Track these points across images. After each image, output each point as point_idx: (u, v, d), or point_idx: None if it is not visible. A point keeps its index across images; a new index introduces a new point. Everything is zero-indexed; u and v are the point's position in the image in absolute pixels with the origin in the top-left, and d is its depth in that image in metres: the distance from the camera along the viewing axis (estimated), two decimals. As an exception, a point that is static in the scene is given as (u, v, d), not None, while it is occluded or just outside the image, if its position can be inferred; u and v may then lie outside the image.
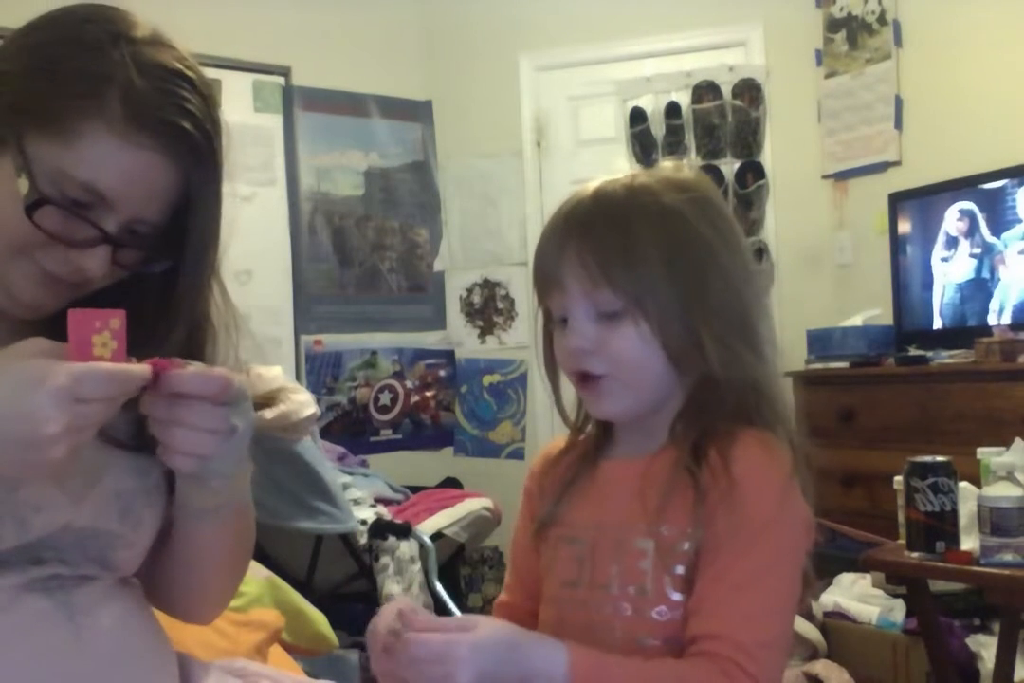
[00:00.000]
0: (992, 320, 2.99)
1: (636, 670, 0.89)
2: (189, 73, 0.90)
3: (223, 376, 0.82)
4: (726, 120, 3.78)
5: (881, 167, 3.49)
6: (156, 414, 0.81)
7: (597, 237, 0.98)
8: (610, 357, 0.98)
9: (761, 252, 3.72)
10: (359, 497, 2.97)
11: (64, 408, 0.73)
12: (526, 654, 0.88)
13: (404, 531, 2.83)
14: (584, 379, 1.01)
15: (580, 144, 4.06)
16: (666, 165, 1.07)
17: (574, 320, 0.99)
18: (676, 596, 0.94)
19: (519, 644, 0.89)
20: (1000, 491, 1.80)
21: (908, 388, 2.92)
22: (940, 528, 1.89)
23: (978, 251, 3.05)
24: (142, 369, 0.78)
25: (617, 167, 1.07)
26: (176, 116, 0.87)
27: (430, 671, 0.85)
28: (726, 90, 3.78)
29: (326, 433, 3.61)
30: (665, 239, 0.98)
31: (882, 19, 3.48)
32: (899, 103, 3.44)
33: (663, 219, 0.98)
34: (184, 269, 0.93)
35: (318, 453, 2.81)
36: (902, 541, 2.00)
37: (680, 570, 0.94)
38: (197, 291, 0.94)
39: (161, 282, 0.94)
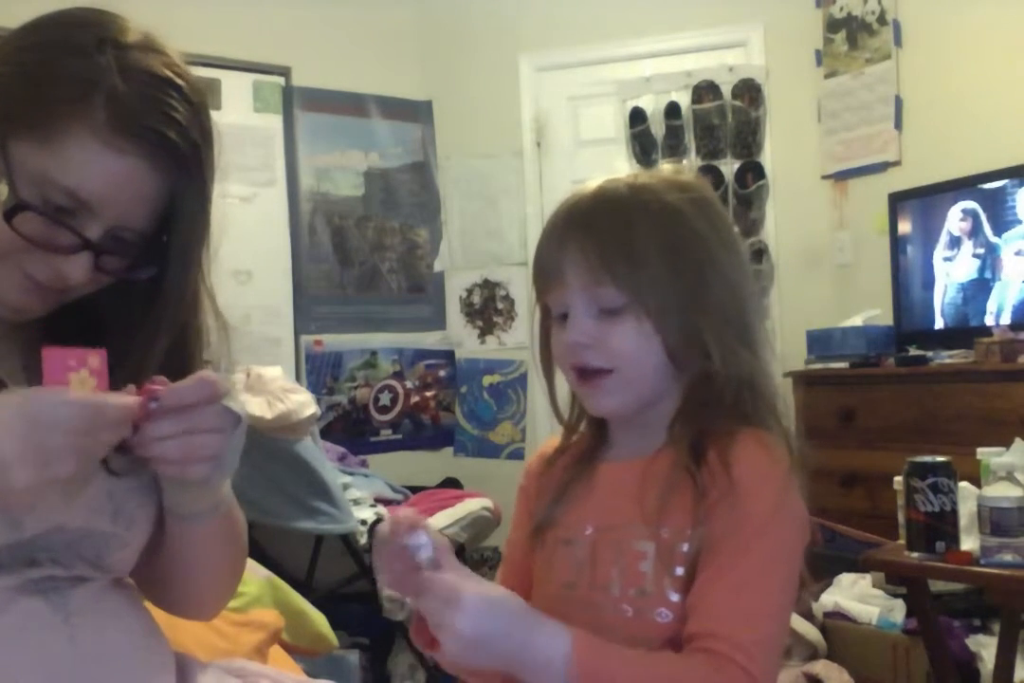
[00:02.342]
0: (993, 320, 2.99)
1: (637, 659, 0.89)
2: (178, 80, 0.88)
3: (211, 377, 0.83)
4: (726, 120, 3.78)
5: (881, 167, 3.49)
6: (167, 431, 0.80)
7: (600, 233, 0.98)
8: (611, 352, 0.99)
9: (761, 252, 3.72)
10: (359, 497, 2.96)
11: (17, 434, 0.73)
12: (530, 624, 0.87)
13: (404, 531, 2.82)
14: (583, 374, 1.01)
15: (580, 144, 4.06)
16: (665, 167, 1.08)
17: (574, 315, 1.00)
18: (676, 598, 0.94)
19: (526, 613, 0.88)
20: (1000, 491, 1.80)
21: (908, 388, 2.92)
22: (940, 528, 1.89)
23: (981, 251, 3.05)
24: (123, 402, 0.77)
25: (617, 167, 1.08)
26: (160, 124, 0.86)
27: (434, 607, 0.85)
28: (726, 90, 3.78)
29: (326, 433, 3.61)
30: (667, 237, 0.98)
31: (882, 19, 3.48)
32: (899, 103, 3.44)
33: (665, 217, 0.99)
34: (169, 277, 0.92)
35: (318, 453, 2.81)
36: (902, 541, 2.00)
37: (680, 572, 0.94)
38: (182, 299, 0.93)
39: (148, 289, 0.93)
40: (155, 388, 0.80)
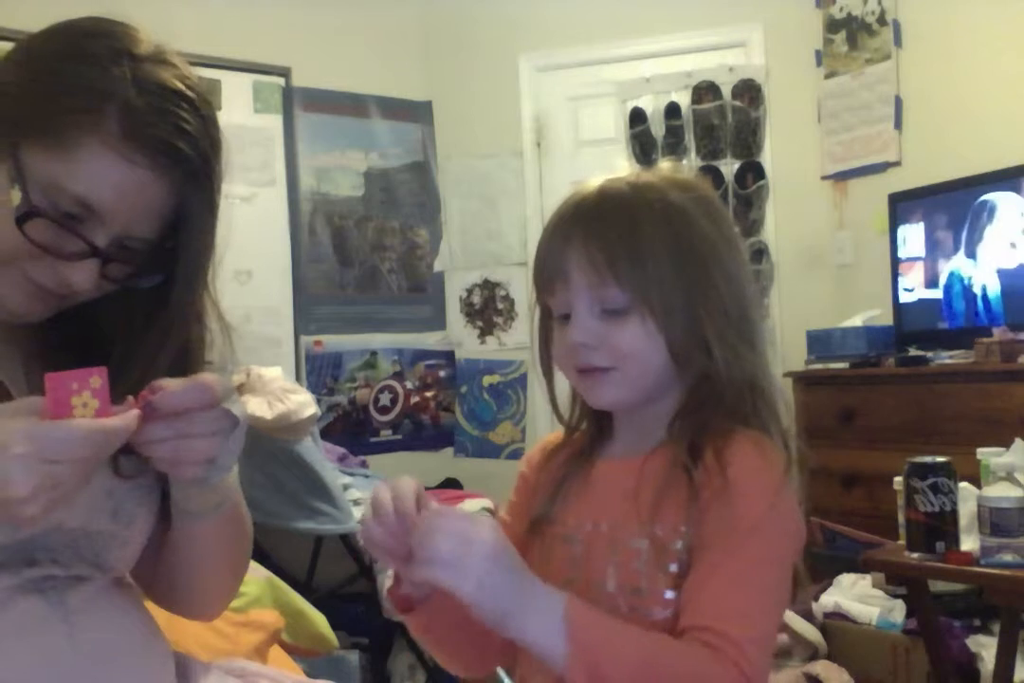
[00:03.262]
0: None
1: (634, 631, 0.88)
2: (189, 93, 0.89)
3: (212, 382, 0.83)
4: (726, 120, 3.78)
5: (881, 167, 3.49)
6: (159, 435, 0.81)
7: (604, 232, 0.98)
8: (615, 352, 0.98)
9: (761, 252, 3.72)
10: (359, 497, 2.97)
11: (31, 472, 0.73)
12: (530, 582, 0.86)
13: (404, 531, 2.82)
14: (584, 371, 1.01)
15: (580, 144, 4.06)
16: (666, 165, 1.07)
17: (577, 315, 0.99)
18: (670, 594, 0.94)
19: (526, 570, 0.87)
20: (1000, 491, 1.80)
21: (908, 388, 2.92)
22: (940, 528, 1.89)
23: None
24: (124, 421, 0.78)
25: (617, 167, 1.07)
26: (172, 136, 0.87)
27: (448, 543, 0.82)
28: (726, 90, 3.78)
29: (326, 434, 3.61)
30: (671, 236, 0.98)
31: (882, 19, 3.48)
32: (899, 103, 3.44)
33: (669, 216, 0.98)
34: (175, 286, 0.92)
35: (318, 454, 2.81)
36: (902, 541, 2.00)
37: (673, 568, 0.94)
38: (188, 308, 0.94)
39: (153, 295, 0.93)
40: (151, 398, 0.80)
